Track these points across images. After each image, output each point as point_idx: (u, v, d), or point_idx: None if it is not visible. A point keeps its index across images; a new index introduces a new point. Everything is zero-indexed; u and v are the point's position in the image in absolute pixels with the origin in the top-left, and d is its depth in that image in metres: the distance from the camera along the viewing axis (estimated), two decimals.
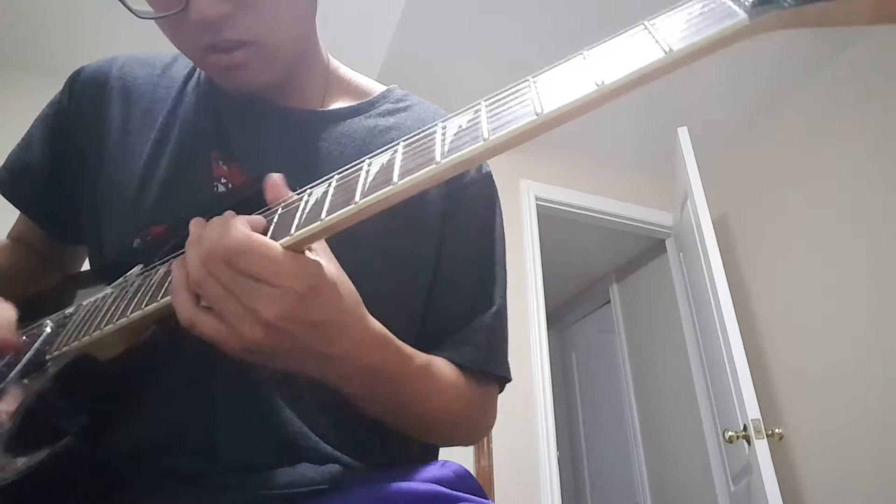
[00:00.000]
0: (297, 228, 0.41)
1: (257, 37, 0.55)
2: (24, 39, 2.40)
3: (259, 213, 0.48)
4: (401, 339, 0.54)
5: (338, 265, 0.46)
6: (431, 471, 0.52)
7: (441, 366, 0.59)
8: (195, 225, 0.45)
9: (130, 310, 0.48)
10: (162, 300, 0.47)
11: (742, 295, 2.73)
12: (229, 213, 0.44)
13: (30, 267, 0.74)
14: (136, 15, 0.54)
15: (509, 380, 0.68)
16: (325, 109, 0.68)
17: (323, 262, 0.44)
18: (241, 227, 0.42)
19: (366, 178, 0.40)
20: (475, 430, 0.67)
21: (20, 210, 0.73)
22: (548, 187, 2.98)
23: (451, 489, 0.50)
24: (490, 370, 0.64)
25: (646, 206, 3.17)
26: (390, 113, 0.69)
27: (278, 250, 0.41)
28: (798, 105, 2.76)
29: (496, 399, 0.69)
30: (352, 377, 0.50)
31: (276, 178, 0.48)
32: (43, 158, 0.70)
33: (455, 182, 0.67)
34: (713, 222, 2.43)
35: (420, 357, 0.56)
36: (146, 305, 0.48)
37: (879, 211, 2.31)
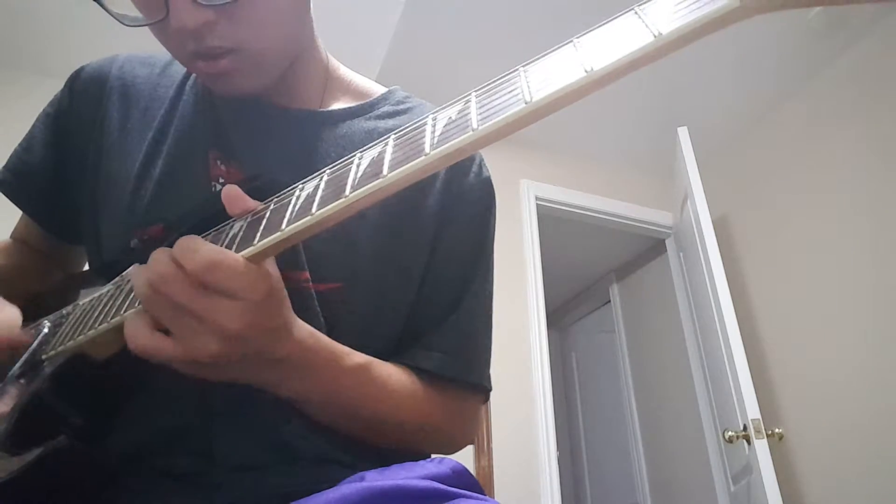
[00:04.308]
0: (289, 223, 0.41)
1: (240, 44, 0.54)
2: (25, 40, 2.41)
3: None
4: (387, 341, 0.53)
5: (276, 268, 0.46)
6: (428, 468, 0.52)
7: (388, 369, 0.58)
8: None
9: (125, 308, 0.48)
10: None
11: (742, 295, 2.73)
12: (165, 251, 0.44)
13: (32, 267, 0.74)
14: (121, 22, 0.54)
15: (486, 388, 0.65)
16: (324, 110, 0.67)
17: (270, 268, 0.45)
18: (208, 244, 0.42)
19: (356, 172, 0.40)
20: (446, 439, 0.64)
21: (22, 210, 0.73)
22: (548, 187, 2.98)
23: (449, 486, 0.49)
24: (458, 377, 0.62)
25: (646, 206, 3.17)
26: (390, 115, 0.69)
27: (242, 263, 0.42)
28: (798, 105, 2.76)
29: (476, 409, 0.67)
30: (287, 378, 0.50)
31: (233, 191, 0.47)
32: (44, 158, 0.69)
33: (454, 186, 0.66)
34: (713, 222, 2.43)
35: (355, 356, 0.55)
36: (140, 304, 0.47)
37: (879, 211, 2.31)
